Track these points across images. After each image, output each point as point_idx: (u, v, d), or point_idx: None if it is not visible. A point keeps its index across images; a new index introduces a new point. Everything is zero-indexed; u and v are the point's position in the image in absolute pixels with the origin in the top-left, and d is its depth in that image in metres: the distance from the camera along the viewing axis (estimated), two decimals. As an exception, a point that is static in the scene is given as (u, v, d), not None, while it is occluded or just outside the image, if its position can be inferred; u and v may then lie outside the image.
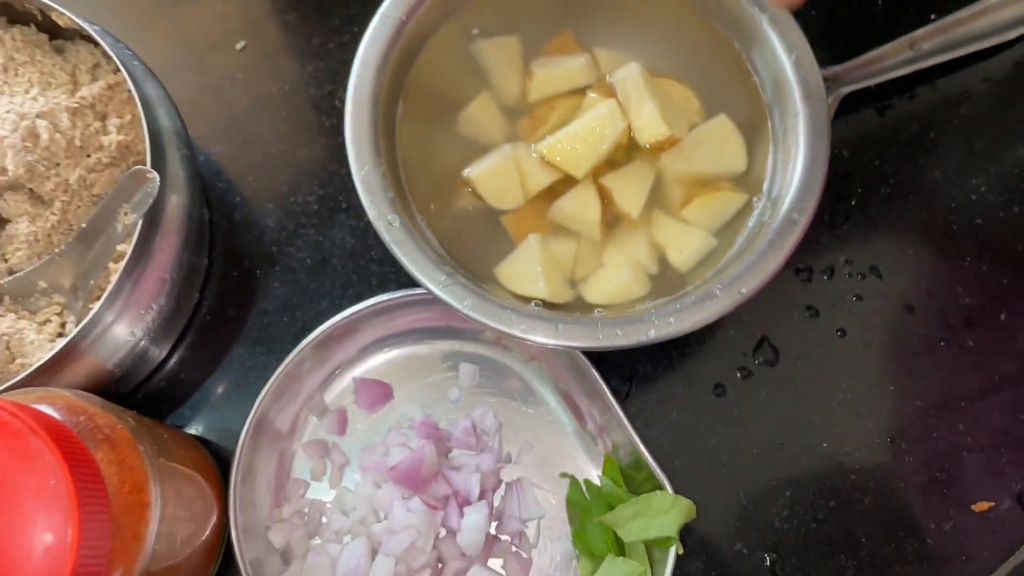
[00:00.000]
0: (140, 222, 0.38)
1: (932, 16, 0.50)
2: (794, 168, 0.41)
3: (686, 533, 0.40)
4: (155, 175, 0.37)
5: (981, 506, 0.43)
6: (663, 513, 0.40)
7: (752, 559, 0.43)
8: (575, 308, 0.41)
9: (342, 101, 0.48)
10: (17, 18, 0.44)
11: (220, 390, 0.45)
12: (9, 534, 0.28)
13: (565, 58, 0.44)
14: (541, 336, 0.38)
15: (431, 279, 0.38)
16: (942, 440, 0.44)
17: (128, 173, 0.38)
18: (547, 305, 0.40)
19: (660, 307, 0.39)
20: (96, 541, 0.29)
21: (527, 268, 0.41)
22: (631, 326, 0.38)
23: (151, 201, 0.37)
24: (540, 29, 0.44)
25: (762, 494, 0.44)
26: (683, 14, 0.45)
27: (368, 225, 0.46)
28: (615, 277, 0.41)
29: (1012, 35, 0.50)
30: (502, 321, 0.38)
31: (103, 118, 0.42)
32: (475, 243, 0.42)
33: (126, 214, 0.38)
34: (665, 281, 0.41)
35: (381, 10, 0.42)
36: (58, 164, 0.41)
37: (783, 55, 0.42)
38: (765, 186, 0.42)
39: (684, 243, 0.41)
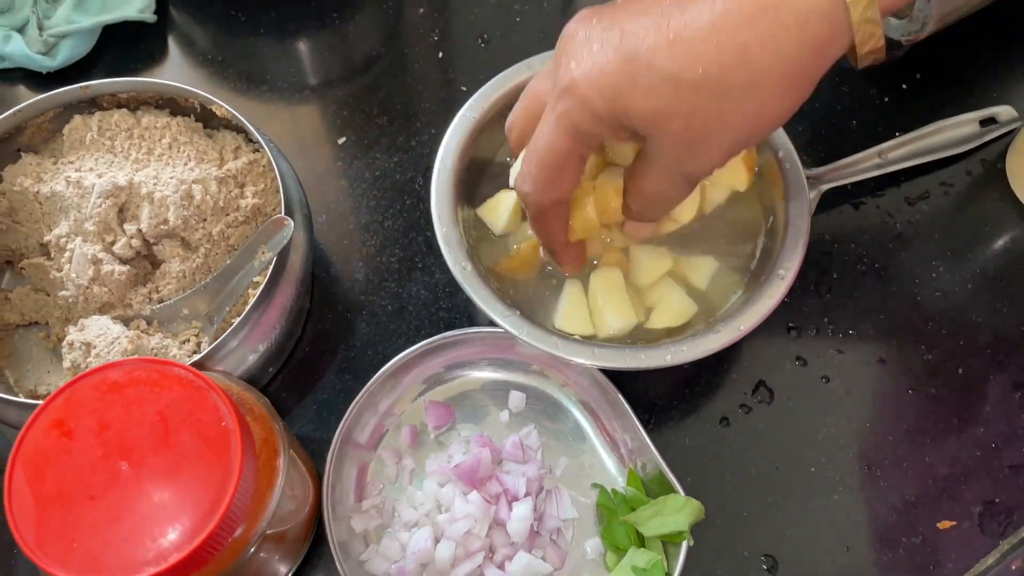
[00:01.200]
0: (272, 265, 0.49)
1: (897, 133, 0.62)
2: (780, 236, 0.52)
3: (696, 539, 0.48)
4: (291, 221, 0.49)
5: (945, 524, 0.52)
6: (676, 512, 0.48)
7: (752, 562, 0.51)
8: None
9: (420, 185, 0.61)
10: (178, 111, 0.57)
11: (314, 407, 0.55)
12: (187, 461, 0.37)
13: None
14: (581, 358, 0.48)
15: (494, 311, 0.49)
16: (911, 469, 0.53)
17: (270, 220, 0.49)
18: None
19: (675, 341, 0.50)
20: (247, 484, 0.39)
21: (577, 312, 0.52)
22: (652, 352, 0.49)
23: (285, 242, 0.49)
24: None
25: (761, 508, 0.52)
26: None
27: (438, 281, 0.58)
28: (675, 301, 0.52)
29: (962, 149, 0.62)
30: (550, 345, 0.49)
31: (242, 186, 0.54)
32: (528, 294, 0.53)
33: (263, 253, 0.50)
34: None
35: (461, 111, 0.55)
36: (205, 219, 0.53)
37: (772, 152, 0.54)
38: (758, 252, 0.54)
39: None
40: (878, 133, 0.63)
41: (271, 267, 0.49)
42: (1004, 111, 0.63)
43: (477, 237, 0.54)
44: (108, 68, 0.66)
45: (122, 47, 0.67)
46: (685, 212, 0.50)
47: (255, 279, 0.51)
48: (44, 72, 0.64)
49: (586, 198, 0.47)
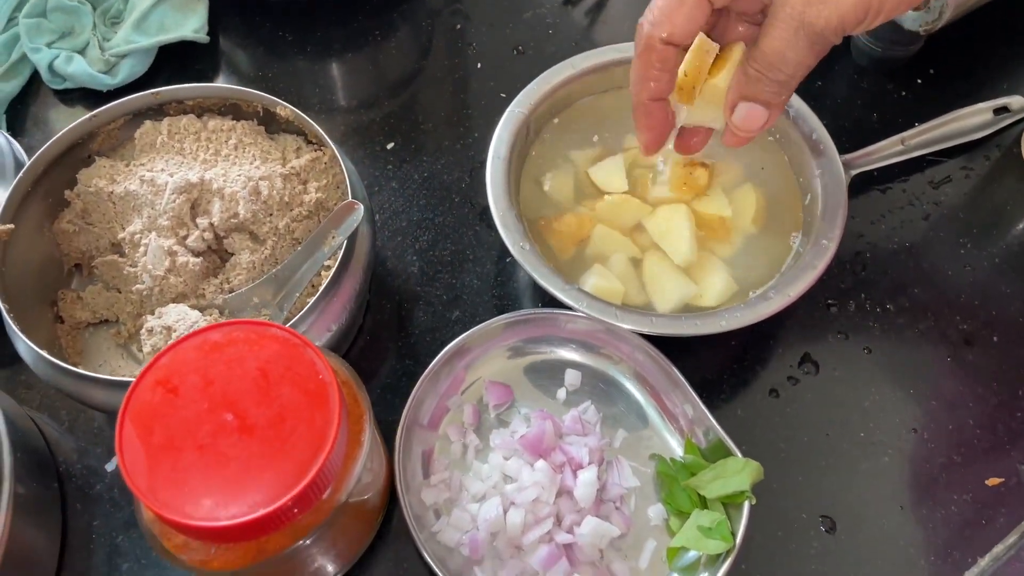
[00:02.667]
0: (342, 251, 0.52)
1: (915, 124, 0.65)
2: (818, 208, 0.55)
3: (756, 502, 0.50)
4: (360, 205, 0.51)
5: (993, 481, 0.53)
6: (737, 473, 0.50)
7: (811, 522, 0.53)
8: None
9: (467, 184, 0.64)
10: (241, 115, 0.60)
11: (379, 391, 0.57)
12: (289, 412, 0.39)
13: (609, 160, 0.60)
14: (642, 327, 0.51)
15: (555, 286, 0.52)
16: (956, 431, 0.55)
17: (340, 206, 0.52)
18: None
19: (729, 308, 0.52)
20: (343, 436, 0.40)
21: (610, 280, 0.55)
22: (708, 319, 0.51)
23: (355, 226, 0.51)
24: (616, 142, 0.61)
25: (815, 472, 0.54)
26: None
27: (489, 270, 0.61)
28: (718, 282, 0.54)
29: (979, 135, 0.66)
30: (610, 316, 0.51)
31: (305, 182, 0.57)
32: (571, 275, 0.56)
33: (333, 237, 0.52)
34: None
35: (510, 107, 0.58)
36: (271, 214, 0.56)
37: (805, 136, 0.57)
38: (801, 217, 0.56)
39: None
40: (898, 125, 0.67)
41: (341, 253, 0.52)
42: (1015, 100, 0.67)
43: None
44: (165, 85, 0.70)
45: (177, 66, 0.71)
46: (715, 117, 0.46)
47: (327, 263, 0.53)
48: (105, 91, 0.68)
49: (709, 50, 0.42)
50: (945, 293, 0.60)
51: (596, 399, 0.56)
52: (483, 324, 0.55)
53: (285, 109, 0.57)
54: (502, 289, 0.60)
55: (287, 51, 0.72)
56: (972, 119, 0.66)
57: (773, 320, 0.58)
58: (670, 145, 0.52)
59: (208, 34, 0.71)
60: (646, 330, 0.51)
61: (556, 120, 0.61)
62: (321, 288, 0.51)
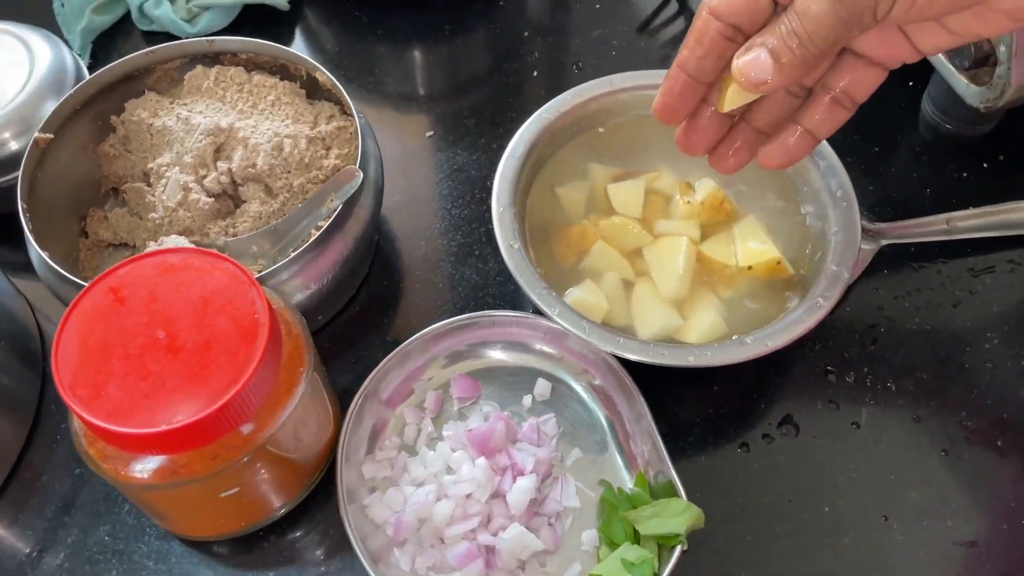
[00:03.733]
0: (338, 211, 0.53)
1: (969, 207, 0.62)
2: (825, 268, 0.53)
3: (695, 552, 0.48)
4: (360, 172, 0.53)
5: (959, 590, 0.49)
6: (676, 515, 0.48)
7: (748, 586, 0.50)
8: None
9: (491, 183, 0.64)
10: (288, 77, 0.62)
11: (354, 361, 0.58)
12: (216, 342, 0.41)
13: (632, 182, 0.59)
14: (607, 345, 0.50)
15: (532, 288, 0.51)
16: (931, 528, 0.51)
17: (342, 171, 0.53)
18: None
19: (700, 345, 0.50)
20: (264, 376, 0.41)
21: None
22: (676, 351, 0.50)
23: (351, 192, 0.53)
24: (638, 164, 0.60)
25: (767, 536, 0.51)
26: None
27: (490, 270, 0.61)
28: (705, 320, 0.53)
29: (1035, 232, 0.61)
30: (579, 328, 0.50)
31: (328, 148, 0.59)
32: (565, 283, 0.55)
33: (331, 200, 0.54)
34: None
35: (538, 111, 0.59)
36: (289, 171, 0.58)
37: (830, 189, 0.55)
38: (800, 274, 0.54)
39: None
40: (950, 204, 0.63)
41: (333, 217, 0.53)
42: (1085, 201, 0.62)
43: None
44: (239, 45, 0.74)
45: (256, 27, 0.75)
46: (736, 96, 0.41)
47: (320, 224, 0.55)
48: (183, 37, 0.72)
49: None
50: (957, 384, 0.56)
51: (561, 413, 0.55)
52: (464, 316, 0.55)
53: (324, 76, 0.59)
54: (499, 289, 0.61)
55: (360, 30, 0.75)
56: (1032, 213, 0.62)
57: (762, 374, 0.56)
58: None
59: (290, 2, 0.75)
60: (610, 349, 0.50)
61: (583, 133, 0.60)
62: (306, 245, 0.52)
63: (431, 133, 0.68)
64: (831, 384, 0.56)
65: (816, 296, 0.51)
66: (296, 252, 0.51)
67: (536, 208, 0.58)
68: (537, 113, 0.59)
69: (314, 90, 0.62)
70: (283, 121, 0.59)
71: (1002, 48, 0.54)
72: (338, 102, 0.61)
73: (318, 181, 0.58)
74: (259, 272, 0.55)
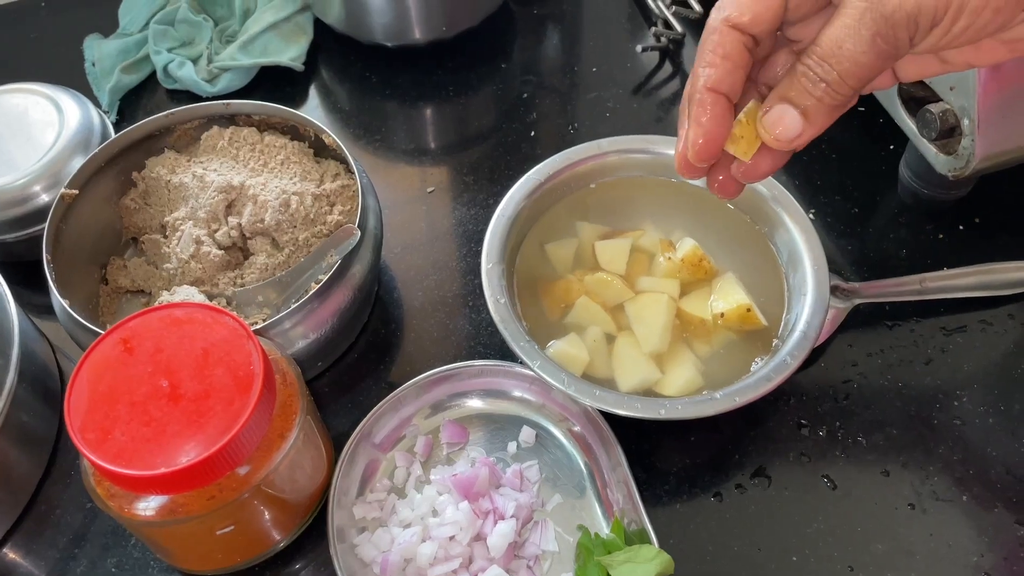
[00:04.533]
0: (337, 265, 0.57)
1: (944, 267, 0.64)
2: (796, 329, 0.55)
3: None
4: (358, 231, 0.56)
5: (919, 642, 0.51)
6: (647, 561, 0.51)
7: (715, 632, 0.52)
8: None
9: (488, 237, 0.68)
10: (297, 137, 0.67)
11: (350, 406, 0.61)
12: (215, 391, 0.44)
13: (619, 240, 0.62)
14: (583, 398, 0.53)
15: (515, 341, 0.55)
16: (895, 581, 0.53)
17: (340, 229, 0.57)
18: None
19: (673, 399, 0.53)
20: (258, 423, 0.45)
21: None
22: (648, 404, 0.52)
23: (349, 249, 0.56)
24: (623, 223, 0.64)
25: (735, 585, 0.54)
26: (727, 212, 0.63)
27: (482, 321, 0.64)
28: (683, 375, 0.56)
29: (1008, 293, 0.64)
30: (559, 381, 0.53)
31: (332, 205, 0.63)
32: (549, 335, 0.58)
33: (331, 256, 0.57)
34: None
35: (528, 173, 0.62)
36: (295, 226, 0.62)
37: (804, 253, 0.58)
38: (775, 342, 0.57)
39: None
40: (926, 265, 0.66)
41: (334, 270, 0.57)
42: (1057, 265, 0.65)
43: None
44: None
45: (273, 87, 0.80)
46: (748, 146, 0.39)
47: (320, 277, 0.58)
48: (204, 96, 0.77)
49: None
50: (925, 441, 0.58)
51: (544, 460, 0.58)
52: (454, 364, 0.58)
53: (329, 138, 0.64)
54: (489, 339, 0.64)
55: (370, 90, 0.79)
56: (1006, 275, 0.64)
57: (738, 426, 0.59)
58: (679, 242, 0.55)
59: (305, 64, 0.79)
60: (586, 401, 0.53)
61: (573, 193, 0.64)
62: (307, 296, 0.56)
63: (432, 189, 0.72)
64: (804, 438, 0.59)
65: (784, 355, 0.54)
66: (298, 303, 0.55)
67: (526, 263, 0.61)
68: (527, 175, 0.62)
69: (321, 149, 0.66)
70: (291, 179, 0.63)
71: (966, 121, 0.57)
72: (343, 161, 0.65)
73: (322, 235, 0.62)
74: (264, 320, 0.59)
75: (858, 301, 0.62)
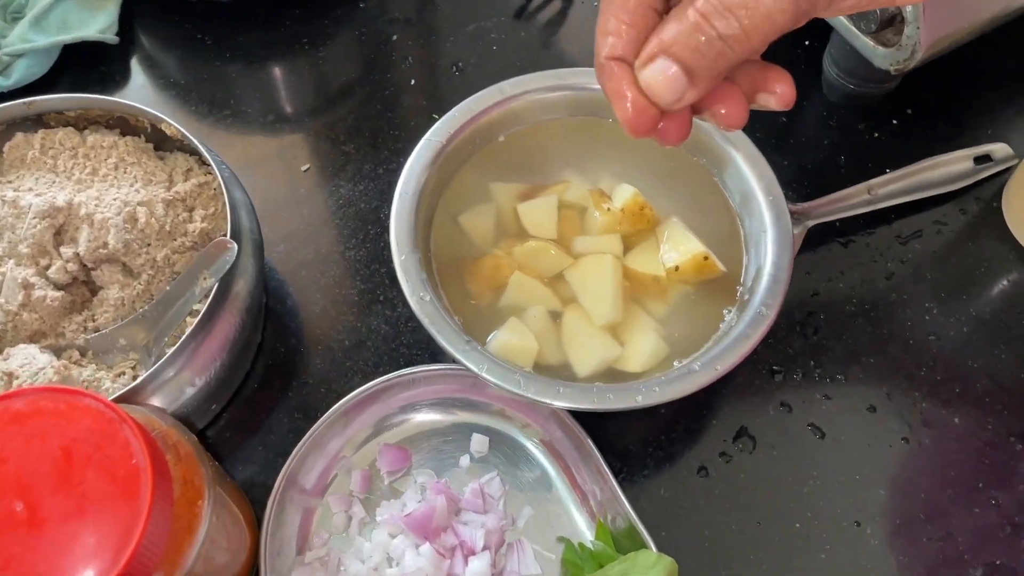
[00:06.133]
0: (213, 292, 0.46)
1: (887, 169, 0.59)
2: (763, 272, 0.49)
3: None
4: (234, 244, 0.45)
5: (943, 589, 0.47)
6: (647, 570, 0.44)
7: (731, 626, 0.46)
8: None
9: (386, 215, 0.58)
10: (129, 131, 0.54)
11: (260, 449, 0.51)
12: (90, 503, 0.33)
13: (543, 199, 0.53)
14: (546, 397, 0.45)
15: (453, 346, 0.45)
16: (904, 527, 0.49)
17: (211, 243, 0.46)
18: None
19: (647, 380, 0.46)
20: (159, 528, 0.35)
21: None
22: (622, 392, 0.45)
23: (227, 267, 0.45)
24: (544, 176, 0.54)
25: (741, 567, 0.48)
26: (668, 151, 0.54)
27: (400, 315, 0.54)
28: (646, 344, 0.48)
29: (956, 187, 0.59)
30: (512, 383, 0.45)
31: (191, 210, 0.51)
32: (487, 325, 0.49)
33: (205, 279, 0.46)
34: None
35: (426, 135, 0.52)
36: (149, 244, 0.50)
37: (754, 183, 0.51)
38: (739, 289, 0.50)
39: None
40: (867, 169, 0.60)
41: (212, 294, 0.46)
42: (999, 148, 0.61)
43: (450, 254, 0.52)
44: (67, 90, 0.64)
45: (83, 68, 0.65)
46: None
47: (195, 307, 0.47)
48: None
49: None
50: (904, 365, 0.54)
51: (503, 469, 0.50)
52: (383, 378, 0.49)
53: (171, 128, 0.51)
54: (413, 336, 0.54)
55: (206, 56, 0.66)
56: (950, 168, 0.60)
57: (707, 388, 0.52)
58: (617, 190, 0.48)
59: (118, 34, 0.65)
60: (551, 401, 0.44)
61: (479, 151, 0.54)
62: (186, 333, 0.45)
63: (307, 167, 0.61)
64: (779, 385, 0.53)
65: (758, 306, 0.47)
66: (176, 346, 0.44)
67: (441, 244, 0.52)
68: (425, 138, 0.52)
69: (163, 141, 0.54)
70: (132, 186, 0.51)
71: (909, 8, 0.50)
72: (194, 151, 0.53)
73: (185, 249, 0.50)
74: (135, 376, 0.47)
75: (810, 223, 0.55)
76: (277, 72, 0.66)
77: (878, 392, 0.53)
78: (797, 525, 0.49)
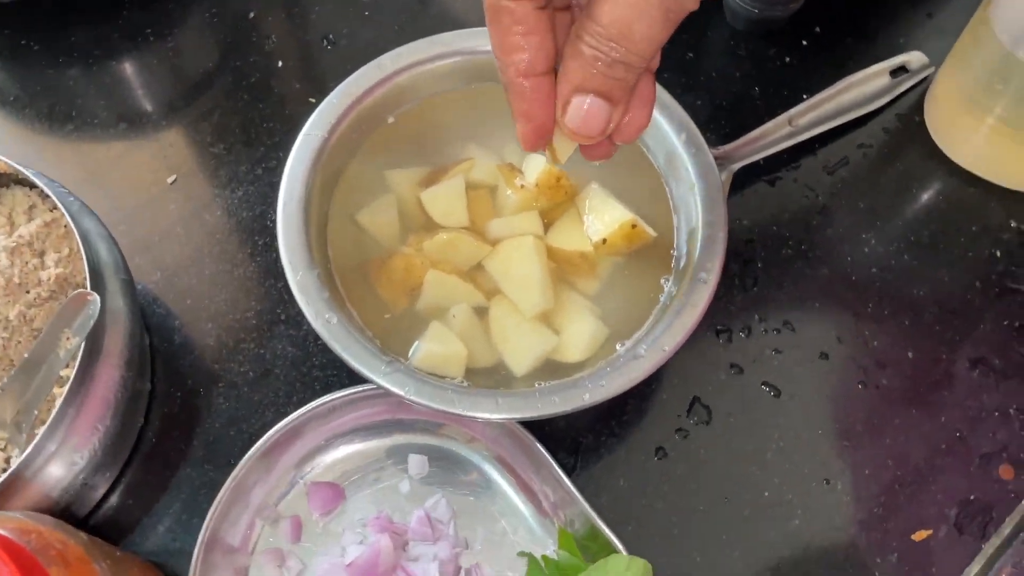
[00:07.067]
0: (82, 348, 0.39)
1: (804, 96, 0.55)
2: (696, 234, 0.45)
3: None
4: (95, 296, 0.38)
5: (920, 535, 0.45)
6: (620, 575, 0.41)
7: (714, 613, 0.44)
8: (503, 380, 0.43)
9: (273, 221, 0.51)
10: (-49, 170, 0.46)
11: (171, 511, 0.45)
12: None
13: (448, 183, 0.47)
14: (483, 411, 0.40)
15: (372, 369, 0.40)
16: (873, 477, 0.46)
17: (69, 298, 0.39)
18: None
19: (592, 373, 0.42)
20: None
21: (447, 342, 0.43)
22: (567, 392, 0.40)
23: (92, 323, 0.38)
24: (444, 156, 0.49)
25: (715, 550, 0.45)
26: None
27: (307, 333, 0.49)
28: (583, 329, 0.44)
29: (876, 105, 0.56)
30: (444, 402, 0.40)
31: (41, 254, 0.44)
32: (407, 335, 0.44)
33: (68, 339, 0.39)
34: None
35: (304, 129, 0.46)
36: (-4, 302, 0.42)
37: (673, 136, 0.47)
38: (673, 254, 0.46)
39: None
40: (784, 98, 0.57)
41: (80, 354, 0.39)
42: (914, 58, 0.58)
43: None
44: None
45: None
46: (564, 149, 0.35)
47: (61, 373, 0.40)
48: None
49: None
50: (850, 304, 0.51)
51: (448, 488, 0.45)
52: (300, 411, 0.43)
53: (1, 163, 0.43)
54: (325, 356, 0.49)
55: (34, 63, 0.57)
56: (867, 85, 0.56)
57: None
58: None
59: (-77, 50, 0.55)
60: (489, 415, 0.40)
61: (368, 139, 0.48)
62: (57, 406, 0.38)
63: (174, 178, 0.53)
64: (726, 346, 0.50)
65: (698, 273, 0.43)
66: (46, 425, 0.37)
67: (341, 250, 0.46)
68: (303, 133, 0.45)
69: (-7, 176, 0.46)
70: (-37, 236, 0.43)
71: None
72: (31, 184, 0.45)
73: (41, 301, 0.43)
74: (5, 454, 0.41)
75: (735, 167, 0.52)
76: (122, 72, 0.58)
77: (828, 337, 0.50)
78: (766, 494, 0.46)
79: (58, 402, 0.38)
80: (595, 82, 0.31)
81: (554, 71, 0.32)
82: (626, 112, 0.33)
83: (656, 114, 0.47)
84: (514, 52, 0.31)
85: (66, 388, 0.38)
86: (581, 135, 0.33)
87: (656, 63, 0.33)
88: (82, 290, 0.39)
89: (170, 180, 0.53)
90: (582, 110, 0.32)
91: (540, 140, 0.34)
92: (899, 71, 0.57)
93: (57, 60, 0.57)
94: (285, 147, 0.54)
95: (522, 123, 0.33)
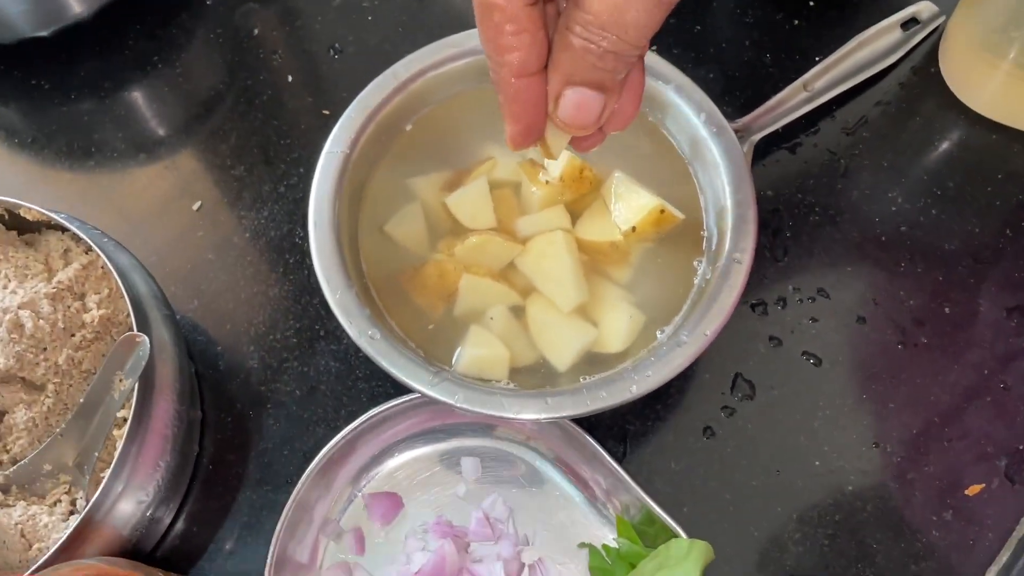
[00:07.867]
0: (136, 387, 0.40)
1: (817, 59, 0.55)
2: (725, 213, 0.45)
3: None
4: (144, 338, 0.39)
5: (974, 489, 0.46)
6: (683, 559, 0.41)
7: (776, 585, 0.44)
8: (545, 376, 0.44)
9: (302, 237, 0.52)
10: (-17, 221, 0.46)
11: (235, 535, 0.46)
12: None
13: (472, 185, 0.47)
14: (533, 413, 0.40)
15: (420, 381, 0.41)
16: (922, 436, 0.47)
17: (118, 341, 0.40)
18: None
19: (637, 364, 0.42)
20: None
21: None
22: (614, 385, 0.41)
23: (144, 364, 0.39)
24: (465, 158, 0.49)
25: (771, 523, 0.45)
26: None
27: (348, 346, 0.49)
28: (621, 319, 0.44)
29: (890, 61, 0.56)
30: (494, 407, 0.40)
31: (82, 297, 0.44)
32: (448, 341, 0.44)
33: (121, 381, 0.40)
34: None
35: (326, 147, 0.46)
36: (45, 349, 0.43)
37: (694, 117, 0.47)
38: (703, 235, 0.46)
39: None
40: (796, 63, 0.56)
41: (135, 394, 0.40)
42: (924, 8, 0.57)
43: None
44: None
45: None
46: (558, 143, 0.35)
47: (118, 414, 0.41)
48: None
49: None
50: (883, 264, 0.51)
51: (503, 488, 0.46)
52: (352, 424, 0.44)
53: (32, 212, 0.44)
54: (368, 367, 0.49)
55: (47, 102, 0.57)
56: (879, 41, 0.56)
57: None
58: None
59: (-63, 101, 0.56)
60: (539, 416, 0.40)
61: (388, 150, 0.48)
62: (120, 447, 0.39)
63: (199, 204, 0.54)
64: (763, 319, 0.50)
65: (733, 253, 0.43)
66: (111, 469, 0.38)
67: (373, 262, 0.46)
68: (325, 151, 0.46)
69: (26, 223, 0.46)
70: (6, 287, 0.44)
71: None
72: (63, 228, 0.46)
73: (88, 343, 0.44)
74: (71, 497, 0.42)
75: (756, 138, 0.51)
76: (134, 101, 0.58)
77: (863, 300, 0.50)
78: (817, 463, 0.46)
79: (120, 443, 0.39)
80: (587, 74, 0.30)
81: (543, 70, 0.31)
82: (618, 100, 0.32)
83: (674, 96, 0.47)
84: (506, 52, 0.30)
85: (125, 428, 0.39)
86: (574, 128, 0.32)
87: (646, 50, 0.32)
88: (130, 333, 0.39)
89: (195, 207, 0.53)
90: (575, 103, 0.31)
91: (530, 140, 0.33)
92: (910, 23, 0.57)
93: (69, 96, 0.57)
94: (305, 163, 0.54)
95: (512, 124, 0.33)
